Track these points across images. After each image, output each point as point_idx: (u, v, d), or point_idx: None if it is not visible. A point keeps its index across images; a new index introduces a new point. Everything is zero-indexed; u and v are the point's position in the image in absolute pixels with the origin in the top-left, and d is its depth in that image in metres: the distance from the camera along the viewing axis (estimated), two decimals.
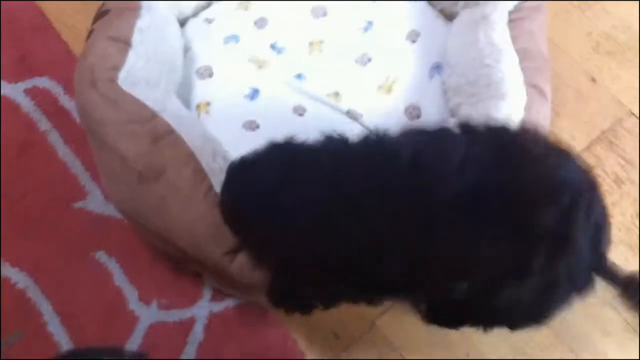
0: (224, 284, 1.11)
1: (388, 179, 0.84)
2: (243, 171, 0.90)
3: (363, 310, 1.17)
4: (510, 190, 0.82)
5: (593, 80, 1.39)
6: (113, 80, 1.06)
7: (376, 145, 0.88)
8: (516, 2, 1.21)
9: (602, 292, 0.94)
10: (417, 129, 0.90)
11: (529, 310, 0.92)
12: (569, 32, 1.46)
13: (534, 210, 0.82)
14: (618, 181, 1.27)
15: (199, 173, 1.00)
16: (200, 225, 0.97)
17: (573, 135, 1.33)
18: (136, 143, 1.01)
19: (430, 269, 0.85)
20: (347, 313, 1.17)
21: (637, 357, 1.16)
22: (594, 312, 1.17)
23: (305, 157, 0.88)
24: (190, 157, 1.00)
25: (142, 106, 1.05)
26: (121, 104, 1.04)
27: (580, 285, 0.90)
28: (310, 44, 1.30)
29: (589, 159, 1.29)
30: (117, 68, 1.08)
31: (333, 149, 0.88)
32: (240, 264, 0.97)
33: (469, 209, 0.81)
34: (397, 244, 0.83)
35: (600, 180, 1.25)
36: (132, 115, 1.03)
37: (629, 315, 1.17)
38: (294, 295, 0.96)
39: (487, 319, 0.97)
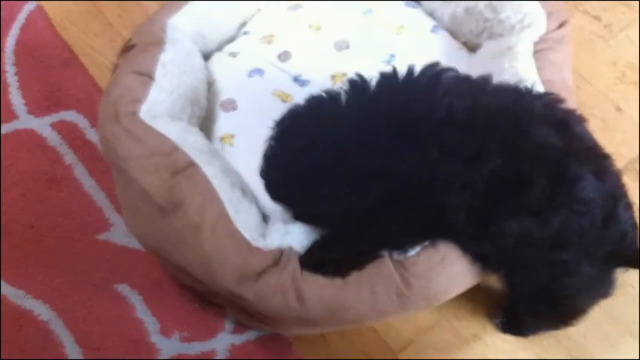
0: (246, 316, 1.11)
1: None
2: (277, 152, 1.00)
3: (387, 343, 1.16)
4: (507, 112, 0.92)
5: (619, 109, 1.38)
6: (135, 114, 1.08)
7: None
8: (541, 33, 1.21)
9: None
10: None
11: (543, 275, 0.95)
12: (594, 62, 1.45)
13: (529, 127, 0.90)
14: None
15: (216, 204, 1.00)
16: (216, 255, 0.97)
17: None
18: (157, 176, 1.02)
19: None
20: (370, 346, 1.16)
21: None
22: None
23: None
24: (207, 189, 1.01)
25: (163, 139, 1.06)
26: (143, 138, 1.05)
27: (594, 254, 0.92)
28: (333, 76, 1.31)
29: None
30: (139, 101, 1.10)
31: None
32: (257, 293, 0.97)
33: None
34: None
35: None
36: (153, 148, 1.04)
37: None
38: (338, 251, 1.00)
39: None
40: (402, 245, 0.98)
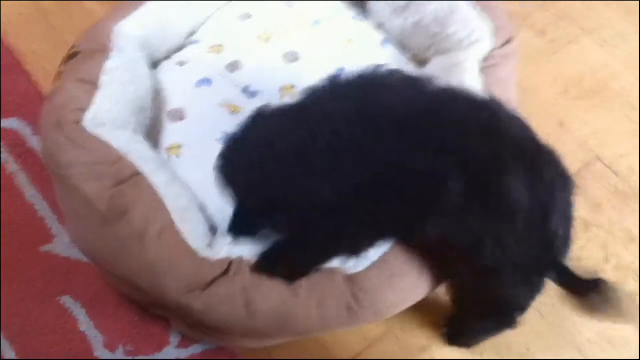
0: (191, 327, 1.10)
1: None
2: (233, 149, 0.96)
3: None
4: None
5: (561, 124, 1.41)
6: (79, 122, 1.06)
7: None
8: (488, 49, 1.23)
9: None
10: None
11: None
12: (538, 77, 1.48)
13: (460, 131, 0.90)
14: (586, 224, 1.28)
15: (162, 214, 0.99)
16: (162, 264, 0.96)
17: None
18: (100, 185, 1.00)
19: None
20: (331, 349, 1.16)
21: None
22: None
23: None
24: (153, 198, 1.00)
25: (107, 148, 1.04)
26: (86, 146, 1.03)
27: (515, 260, 0.93)
28: (282, 88, 1.30)
29: None
30: (83, 110, 1.08)
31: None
32: (204, 303, 0.96)
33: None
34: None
35: None
36: (97, 157, 1.03)
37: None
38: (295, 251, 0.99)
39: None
40: (359, 248, 0.98)
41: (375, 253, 1.00)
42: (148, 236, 0.97)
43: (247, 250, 1.01)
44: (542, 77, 1.48)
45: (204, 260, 0.97)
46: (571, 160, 1.35)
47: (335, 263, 1.00)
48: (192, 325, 1.08)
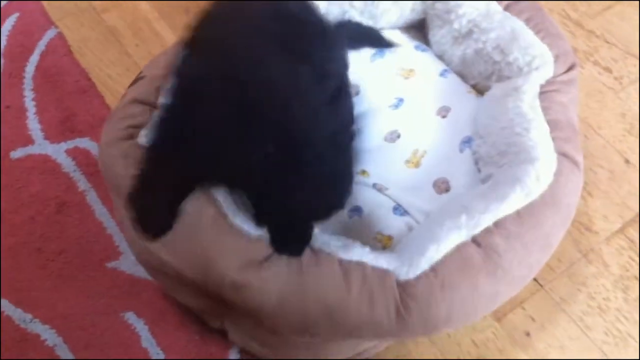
0: (249, 338, 1.12)
1: None
2: None
3: None
4: None
5: (627, 161, 1.39)
6: (133, 138, 1.10)
7: None
8: (548, 76, 1.22)
9: None
10: None
11: None
12: (603, 113, 1.47)
13: None
14: None
15: (213, 207, 1.01)
16: (216, 248, 0.98)
17: (606, 216, 1.32)
18: None
19: None
20: None
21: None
22: None
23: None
24: (204, 196, 1.02)
25: None
26: (137, 160, 1.06)
27: None
28: None
29: (622, 241, 1.28)
30: (138, 127, 1.12)
31: None
32: (263, 278, 0.97)
33: None
34: None
35: (633, 263, 1.24)
36: None
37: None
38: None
39: None
40: None
41: (426, 261, 0.99)
42: (201, 226, 0.99)
43: None
44: (607, 114, 1.47)
45: (258, 240, 0.99)
46: (637, 198, 1.34)
47: (389, 266, 0.99)
48: (251, 335, 1.11)
